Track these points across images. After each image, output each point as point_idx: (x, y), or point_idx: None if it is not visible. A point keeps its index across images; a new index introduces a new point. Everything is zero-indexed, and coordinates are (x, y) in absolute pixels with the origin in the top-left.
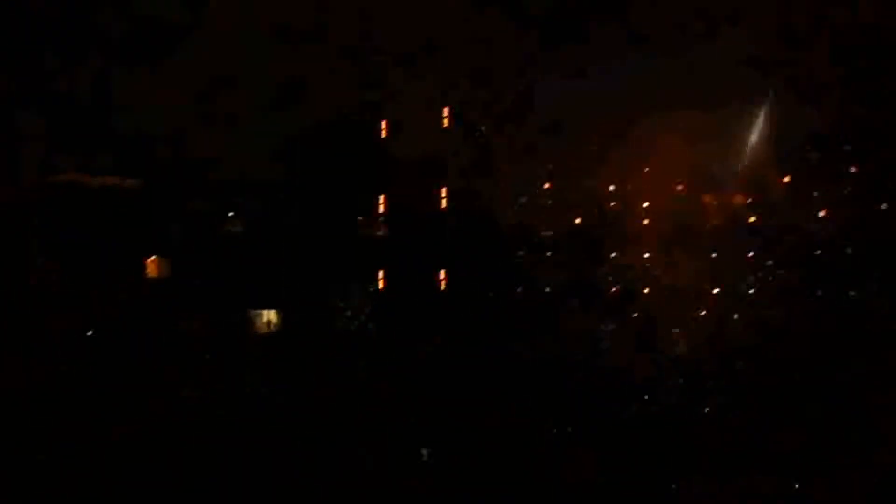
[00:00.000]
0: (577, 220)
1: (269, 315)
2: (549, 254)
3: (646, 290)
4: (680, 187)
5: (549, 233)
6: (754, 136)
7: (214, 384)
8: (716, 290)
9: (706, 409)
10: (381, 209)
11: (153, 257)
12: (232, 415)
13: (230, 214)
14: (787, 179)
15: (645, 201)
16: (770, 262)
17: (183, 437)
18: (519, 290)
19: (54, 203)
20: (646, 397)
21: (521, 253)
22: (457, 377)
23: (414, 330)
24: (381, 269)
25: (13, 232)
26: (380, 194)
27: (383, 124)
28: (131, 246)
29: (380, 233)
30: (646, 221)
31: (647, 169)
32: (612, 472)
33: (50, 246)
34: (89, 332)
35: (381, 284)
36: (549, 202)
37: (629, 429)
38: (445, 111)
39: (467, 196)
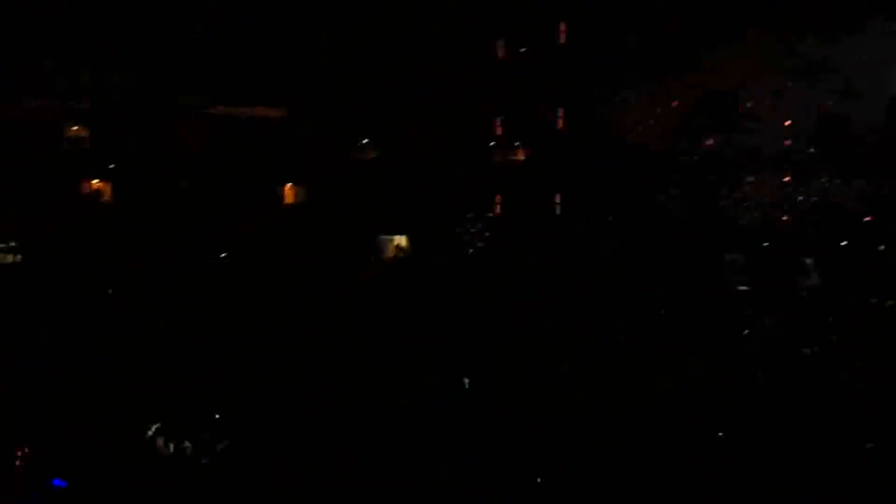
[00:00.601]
0: (710, 142)
1: (400, 240)
2: (676, 177)
3: (784, 219)
4: (827, 103)
5: (679, 155)
6: None
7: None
8: (867, 219)
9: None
10: (499, 132)
11: (289, 184)
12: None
13: (364, 141)
14: None
15: (787, 120)
16: None
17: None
18: (642, 216)
19: (208, 132)
20: (752, 338)
21: (645, 177)
22: (572, 305)
23: (529, 255)
24: (500, 193)
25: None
26: (496, 117)
27: (500, 44)
28: (270, 172)
29: (501, 157)
30: (787, 143)
31: (788, 83)
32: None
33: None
34: (223, 255)
35: (498, 209)
36: (678, 123)
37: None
38: (563, 26)
39: (587, 117)
